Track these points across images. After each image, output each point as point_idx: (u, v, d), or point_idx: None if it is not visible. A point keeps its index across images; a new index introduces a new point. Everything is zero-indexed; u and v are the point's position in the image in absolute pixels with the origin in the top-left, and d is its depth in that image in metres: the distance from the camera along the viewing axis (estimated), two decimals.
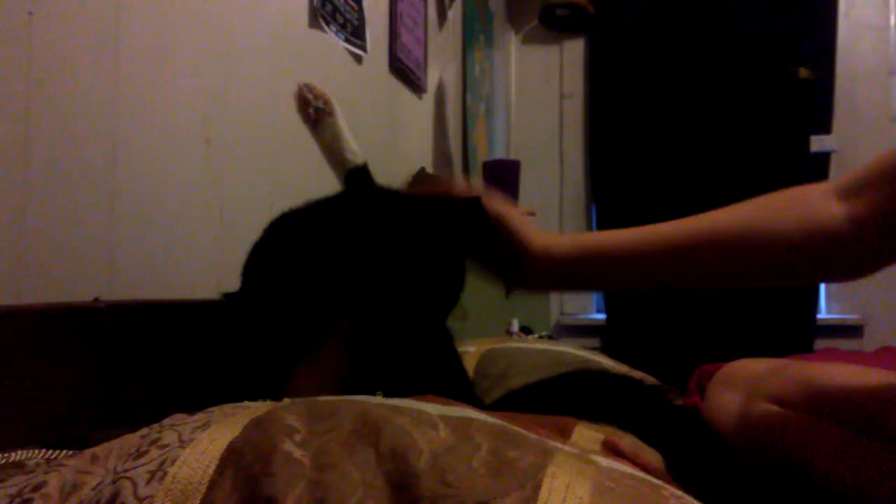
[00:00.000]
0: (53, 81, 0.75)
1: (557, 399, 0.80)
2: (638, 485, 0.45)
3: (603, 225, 2.90)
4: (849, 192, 0.66)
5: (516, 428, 0.52)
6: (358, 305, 0.67)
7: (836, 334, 2.76)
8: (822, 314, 2.85)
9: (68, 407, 0.62)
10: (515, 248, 0.75)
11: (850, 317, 2.79)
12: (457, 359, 0.80)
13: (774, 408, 0.72)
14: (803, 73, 2.79)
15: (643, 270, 0.73)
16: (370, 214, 0.70)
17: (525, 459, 0.45)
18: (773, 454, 0.71)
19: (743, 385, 0.79)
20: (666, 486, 0.57)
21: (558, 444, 0.50)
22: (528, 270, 0.76)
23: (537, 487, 0.41)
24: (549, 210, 2.90)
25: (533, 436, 0.50)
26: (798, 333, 2.72)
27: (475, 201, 0.70)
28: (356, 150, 0.80)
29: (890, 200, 0.63)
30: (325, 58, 1.44)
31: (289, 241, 0.72)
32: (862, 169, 0.67)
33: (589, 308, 3.05)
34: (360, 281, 0.67)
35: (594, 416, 0.71)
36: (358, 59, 1.58)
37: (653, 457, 0.68)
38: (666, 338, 2.75)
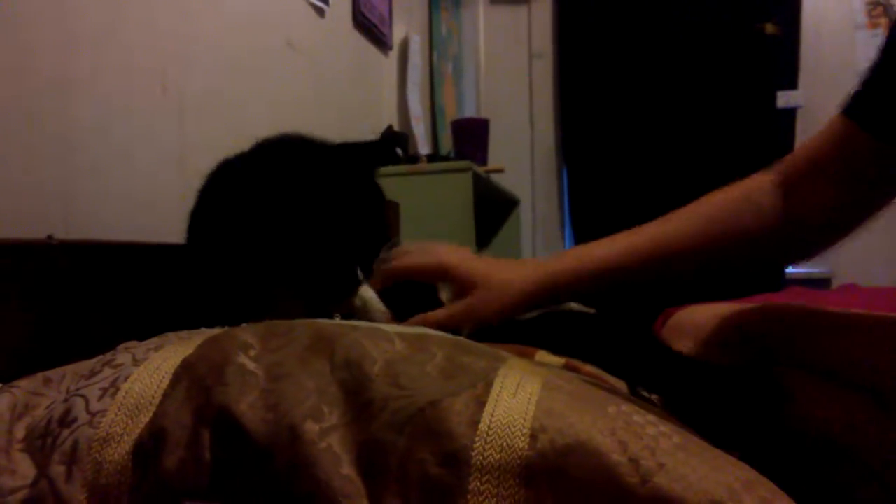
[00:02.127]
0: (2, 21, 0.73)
1: (519, 334, 0.81)
2: (587, 386, 0.46)
3: (574, 184, 2.90)
4: (789, 186, 0.70)
5: (472, 341, 0.52)
6: (303, 264, 0.69)
7: (806, 287, 2.81)
8: (791, 269, 2.89)
9: (16, 342, 0.61)
10: (468, 291, 0.73)
11: (819, 270, 2.83)
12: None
13: (717, 355, 0.74)
14: (769, 28, 2.79)
15: (614, 285, 0.77)
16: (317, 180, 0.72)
17: (478, 364, 0.45)
18: None
19: (689, 333, 0.81)
20: (617, 389, 0.58)
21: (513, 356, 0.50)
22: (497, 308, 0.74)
23: (489, 386, 0.42)
24: (520, 170, 2.89)
25: (488, 348, 0.50)
26: (768, 288, 2.76)
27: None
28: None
29: (821, 193, 0.68)
30: (285, 9, 1.41)
31: (239, 196, 0.71)
32: (797, 155, 0.71)
33: None
34: (303, 239, 0.69)
35: (556, 348, 0.72)
36: (320, 11, 1.56)
37: (616, 383, 0.69)
38: (639, 297, 2.77)
